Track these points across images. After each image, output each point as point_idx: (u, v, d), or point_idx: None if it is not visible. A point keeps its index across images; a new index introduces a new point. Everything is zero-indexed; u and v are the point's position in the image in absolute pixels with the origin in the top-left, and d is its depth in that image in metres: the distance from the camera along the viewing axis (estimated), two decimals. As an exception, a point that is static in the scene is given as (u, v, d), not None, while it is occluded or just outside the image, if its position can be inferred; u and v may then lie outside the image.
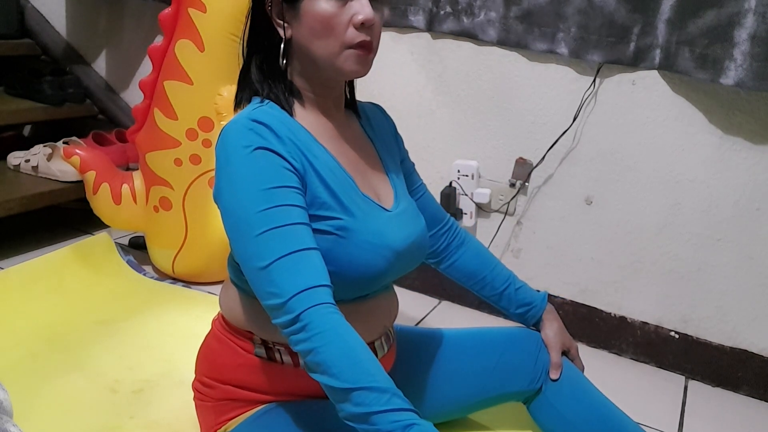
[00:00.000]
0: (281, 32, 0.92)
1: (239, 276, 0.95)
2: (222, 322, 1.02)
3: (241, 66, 0.99)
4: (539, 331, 1.17)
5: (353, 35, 0.89)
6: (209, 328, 1.07)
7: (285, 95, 0.94)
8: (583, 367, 1.17)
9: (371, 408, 0.77)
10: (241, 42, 0.99)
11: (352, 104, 1.07)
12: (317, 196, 0.89)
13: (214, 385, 1.00)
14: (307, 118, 0.95)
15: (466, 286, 1.20)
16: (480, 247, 1.21)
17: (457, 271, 1.20)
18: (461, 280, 1.20)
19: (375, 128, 1.09)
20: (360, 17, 0.88)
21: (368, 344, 0.98)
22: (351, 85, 1.07)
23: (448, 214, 1.22)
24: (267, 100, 0.93)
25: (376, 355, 1.00)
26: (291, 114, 0.93)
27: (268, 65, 0.95)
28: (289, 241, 0.82)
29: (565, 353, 1.15)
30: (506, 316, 1.21)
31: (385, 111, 1.14)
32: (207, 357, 1.04)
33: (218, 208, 0.88)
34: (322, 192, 0.89)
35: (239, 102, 0.98)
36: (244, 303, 0.97)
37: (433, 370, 1.13)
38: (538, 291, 1.19)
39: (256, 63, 0.96)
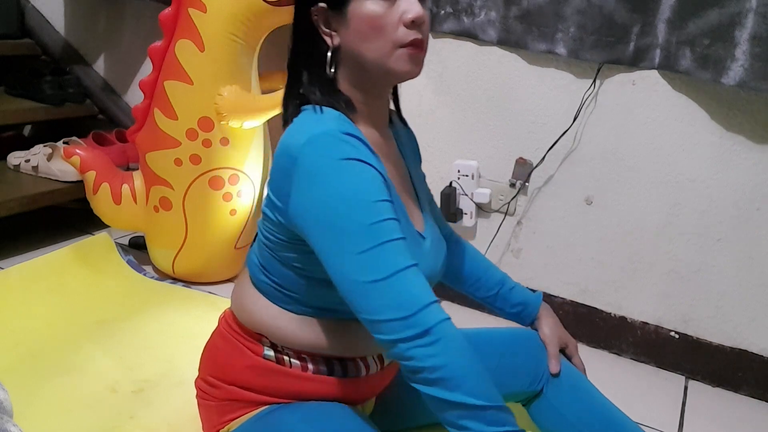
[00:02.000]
0: (329, 41, 0.91)
1: (266, 278, 0.95)
2: (231, 322, 1.01)
3: (286, 80, 0.97)
4: (536, 330, 1.17)
5: (404, 33, 0.87)
6: (209, 327, 1.07)
7: (341, 105, 0.91)
8: (583, 366, 1.16)
9: (505, 428, 0.80)
10: (289, 54, 0.96)
11: (397, 116, 1.06)
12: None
13: (219, 385, 1.00)
14: (362, 130, 0.92)
15: (460, 290, 1.21)
16: (472, 249, 1.22)
17: (451, 274, 1.20)
18: (454, 283, 1.21)
19: (405, 144, 1.08)
20: (410, 15, 0.86)
21: (362, 358, 0.99)
22: (396, 98, 1.06)
23: (449, 227, 1.23)
24: (323, 107, 0.90)
25: (367, 372, 1.01)
26: (368, 131, 0.92)
27: (318, 76, 0.93)
28: (404, 255, 0.81)
29: (563, 350, 1.15)
30: (503, 317, 1.21)
31: (407, 124, 1.13)
32: (213, 356, 1.03)
33: (296, 222, 0.85)
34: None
35: (289, 114, 0.95)
36: (262, 306, 0.96)
37: None
38: (533, 291, 1.20)
39: (306, 75, 0.94)
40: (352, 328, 0.96)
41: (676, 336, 1.60)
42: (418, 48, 0.88)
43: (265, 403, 0.98)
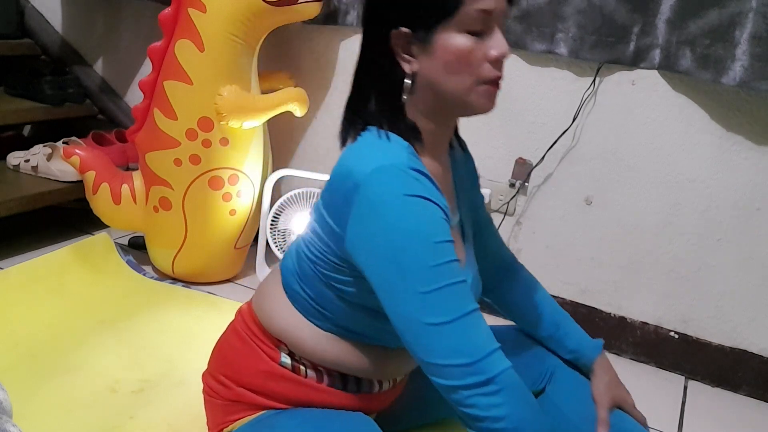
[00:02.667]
0: (407, 67, 0.87)
1: (300, 289, 0.94)
2: (250, 323, 1.00)
3: (349, 96, 0.94)
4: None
5: (488, 71, 0.85)
6: (209, 327, 1.07)
7: (408, 133, 0.89)
8: (643, 417, 1.07)
9: None
10: (355, 72, 0.93)
11: (456, 146, 1.04)
12: None
13: (229, 385, 0.99)
14: (423, 160, 0.90)
15: (512, 321, 1.17)
16: (531, 282, 1.17)
17: (505, 304, 1.17)
18: (506, 315, 1.17)
19: (460, 169, 1.05)
20: (497, 52, 0.85)
21: (377, 380, 0.99)
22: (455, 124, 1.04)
23: (510, 252, 1.19)
24: (389, 133, 0.88)
25: (380, 388, 1.01)
26: (421, 157, 0.89)
27: (388, 101, 0.90)
28: (467, 299, 0.80)
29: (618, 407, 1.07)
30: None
31: (467, 149, 1.10)
32: (226, 355, 1.02)
33: (353, 251, 0.84)
34: None
35: (349, 133, 0.92)
36: (288, 314, 0.95)
37: None
38: (594, 339, 1.14)
39: (374, 98, 0.90)
40: (375, 352, 0.96)
41: (676, 336, 1.60)
42: (497, 85, 0.88)
43: (269, 407, 0.97)
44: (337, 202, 0.85)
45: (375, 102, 0.90)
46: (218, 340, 1.06)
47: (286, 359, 0.96)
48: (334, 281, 0.90)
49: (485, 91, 0.86)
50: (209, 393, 1.03)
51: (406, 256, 0.78)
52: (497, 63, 0.85)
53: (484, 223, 1.14)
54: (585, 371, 1.12)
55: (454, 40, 0.83)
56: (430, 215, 0.80)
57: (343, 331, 0.94)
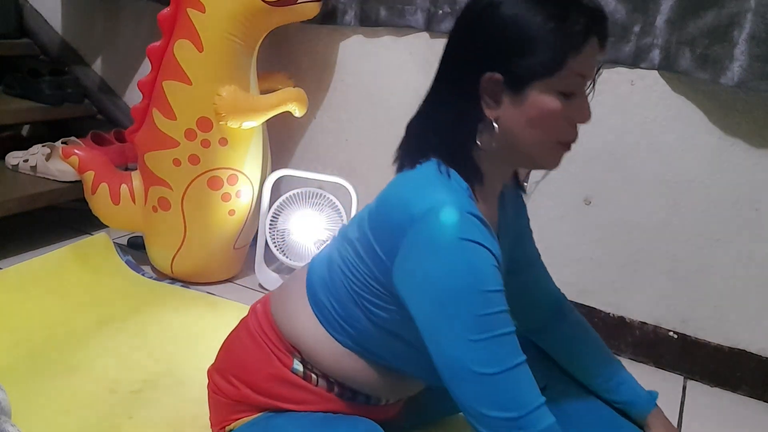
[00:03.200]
0: (489, 112, 0.85)
1: (328, 302, 0.93)
2: (265, 325, 0.99)
3: (414, 118, 0.93)
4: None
5: (568, 134, 0.86)
6: (208, 327, 1.07)
7: (470, 174, 0.87)
8: None
9: None
10: (426, 100, 0.92)
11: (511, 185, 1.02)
12: None
13: (237, 385, 0.98)
14: (477, 203, 0.88)
15: (560, 363, 1.14)
16: (582, 327, 1.14)
17: (550, 347, 1.14)
18: (553, 355, 1.14)
19: (507, 208, 1.03)
20: (583, 118, 0.85)
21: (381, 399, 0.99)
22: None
23: (561, 294, 1.16)
24: (449, 170, 0.86)
25: (387, 401, 1.01)
26: (476, 200, 0.87)
27: (459, 138, 0.87)
28: (515, 350, 0.79)
29: None
30: None
31: (524, 188, 1.09)
32: (237, 354, 1.01)
33: (399, 285, 0.83)
34: None
35: (406, 159, 0.91)
36: (310, 324, 0.94)
37: None
38: (649, 392, 1.11)
39: (444, 133, 0.88)
40: (391, 374, 0.96)
41: (675, 336, 1.60)
42: (569, 147, 0.88)
43: (273, 408, 0.97)
44: (387, 229, 0.84)
45: (445, 136, 0.88)
46: (229, 336, 1.05)
47: (299, 366, 0.96)
48: (368, 303, 0.89)
49: (557, 151, 0.87)
50: (214, 390, 1.02)
51: (456, 302, 0.77)
52: (576, 127, 0.86)
53: (533, 259, 1.11)
54: (638, 423, 1.09)
55: (546, 98, 0.82)
56: (483, 262, 0.78)
57: (363, 351, 0.93)
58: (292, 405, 0.96)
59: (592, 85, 0.87)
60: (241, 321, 1.05)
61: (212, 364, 1.05)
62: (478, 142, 0.86)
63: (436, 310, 0.79)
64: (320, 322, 0.94)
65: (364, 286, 0.88)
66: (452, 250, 0.78)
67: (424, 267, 0.79)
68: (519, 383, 0.79)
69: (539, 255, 1.13)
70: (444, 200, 0.80)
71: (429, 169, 0.86)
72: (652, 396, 1.10)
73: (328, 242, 1.01)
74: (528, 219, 1.11)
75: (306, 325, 0.94)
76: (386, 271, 0.84)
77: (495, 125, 0.84)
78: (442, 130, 0.88)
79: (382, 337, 0.91)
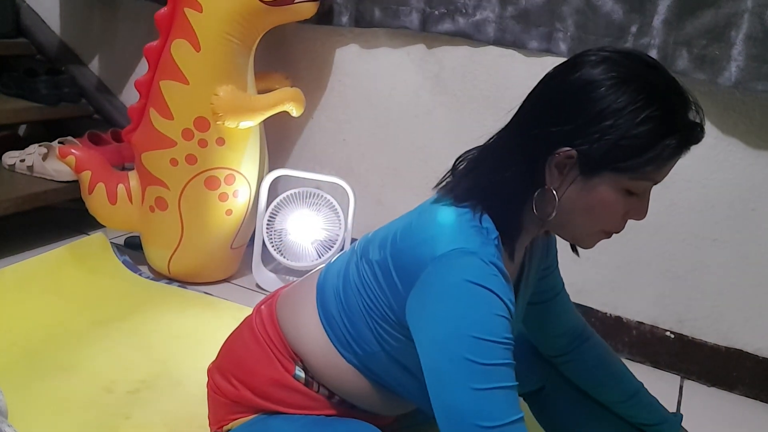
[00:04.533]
0: (551, 183, 0.82)
1: (339, 317, 0.91)
2: (270, 329, 0.98)
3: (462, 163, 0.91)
4: None
5: (617, 227, 0.84)
6: (205, 328, 1.07)
7: (509, 231, 0.85)
8: None
9: None
10: (493, 146, 0.90)
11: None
12: None
13: (237, 386, 0.98)
14: (504, 254, 0.86)
15: (585, 389, 1.12)
16: (605, 350, 1.12)
17: (573, 372, 1.12)
18: (578, 381, 1.12)
19: (533, 258, 1.00)
20: (636, 217, 0.84)
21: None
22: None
23: (583, 320, 1.13)
24: (484, 215, 0.83)
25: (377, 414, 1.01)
26: (506, 256, 0.85)
27: (512, 201, 0.84)
28: (513, 406, 0.76)
29: None
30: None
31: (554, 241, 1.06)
32: (240, 356, 1.00)
33: (409, 318, 0.82)
34: None
35: (451, 192, 0.88)
36: (317, 336, 0.93)
37: None
38: (674, 413, 1.10)
39: (502, 188, 0.84)
40: (391, 396, 0.96)
41: (672, 336, 1.60)
42: (610, 236, 0.87)
43: (264, 411, 0.97)
44: (409, 262, 0.82)
45: (500, 189, 0.84)
46: (231, 335, 1.04)
47: (301, 373, 0.95)
48: (381, 329, 0.88)
49: (599, 237, 0.86)
50: (214, 389, 1.01)
51: (457, 347, 0.75)
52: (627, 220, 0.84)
53: (557, 290, 1.10)
54: None
55: (612, 193, 0.80)
56: (490, 310, 0.76)
57: (367, 371, 0.93)
58: (292, 409, 0.96)
59: None
60: (244, 321, 1.04)
61: (213, 362, 1.04)
62: (534, 210, 0.84)
63: (438, 351, 0.77)
64: (328, 336, 0.93)
65: (378, 312, 0.87)
66: (460, 292, 0.76)
67: (433, 306, 0.78)
68: None
69: (563, 285, 1.11)
70: (470, 247, 0.79)
71: (466, 215, 0.83)
72: (678, 419, 1.08)
73: (345, 252, 0.99)
74: (556, 251, 1.08)
75: (313, 337, 0.93)
76: (401, 302, 0.83)
77: (556, 198, 0.82)
78: (498, 183, 0.85)
79: (389, 363, 0.90)
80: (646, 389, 1.09)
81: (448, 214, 0.83)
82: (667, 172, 0.81)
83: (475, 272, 0.77)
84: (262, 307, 1.03)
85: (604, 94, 0.76)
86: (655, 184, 0.82)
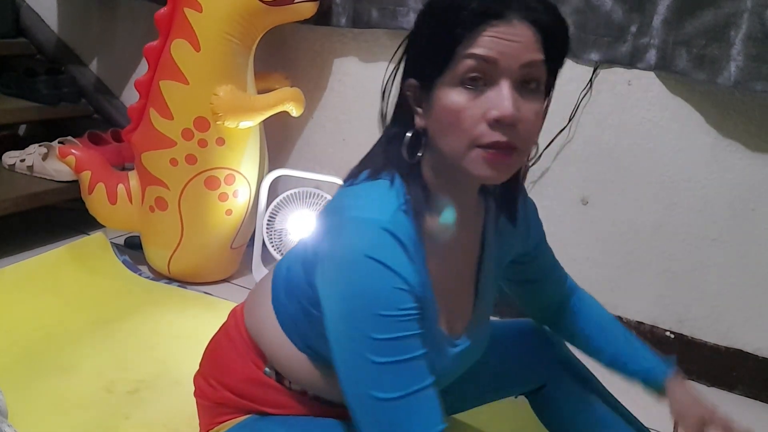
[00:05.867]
0: (418, 121, 0.81)
1: (285, 302, 0.91)
2: (241, 328, 0.98)
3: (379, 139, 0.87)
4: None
5: (483, 133, 0.74)
6: (204, 328, 1.07)
7: (416, 190, 0.81)
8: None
9: None
10: (381, 113, 0.86)
11: (506, 209, 0.93)
12: None
13: (216, 387, 0.98)
14: (428, 225, 0.83)
15: (579, 348, 1.10)
16: (591, 309, 1.11)
17: (567, 335, 1.11)
18: (572, 342, 1.12)
19: (501, 238, 0.96)
20: (494, 113, 0.73)
21: None
22: (510, 195, 0.92)
23: (566, 275, 1.11)
24: (395, 181, 0.82)
25: None
26: (422, 221, 0.81)
27: (396, 148, 0.83)
28: (413, 377, 0.75)
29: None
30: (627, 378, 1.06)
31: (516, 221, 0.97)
32: (216, 357, 1.01)
33: (319, 292, 0.80)
34: None
35: (357, 174, 0.86)
36: (271, 326, 0.92)
37: None
38: (667, 357, 1.07)
39: (392, 147, 0.83)
40: None
41: (672, 336, 1.60)
42: (500, 153, 0.75)
43: (254, 411, 0.97)
44: (320, 231, 0.81)
45: (392, 152, 0.84)
46: (210, 340, 1.05)
47: (271, 371, 0.95)
48: (309, 308, 0.86)
49: (481, 157, 0.75)
50: (197, 393, 1.03)
51: (354, 322, 0.74)
52: (499, 125, 0.74)
53: (546, 271, 1.07)
54: (656, 389, 1.03)
55: (449, 96, 0.75)
56: (384, 285, 0.74)
57: (314, 354, 0.91)
58: (270, 408, 0.95)
59: (553, 82, 0.81)
60: (222, 325, 1.04)
61: (197, 370, 1.05)
62: (419, 154, 0.82)
63: (338, 326, 0.77)
64: (279, 325, 0.92)
65: (302, 291, 0.86)
66: (356, 267, 0.74)
67: (330, 281, 0.78)
68: (412, 412, 0.75)
69: (554, 265, 1.09)
70: (365, 214, 0.77)
71: (381, 182, 0.82)
72: (669, 362, 1.03)
73: (296, 244, 0.98)
74: (541, 235, 1.05)
75: (270, 329, 0.92)
76: (313, 270, 0.82)
77: (425, 135, 0.81)
78: (392, 146, 0.84)
79: (326, 345, 0.88)
80: (636, 338, 1.07)
81: (360, 186, 0.83)
82: (492, 46, 0.73)
83: (369, 243, 0.74)
84: (237, 308, 1.03)
85: (415, 22, 0.81)
86: (488, 63, 0.73)
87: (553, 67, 0.80)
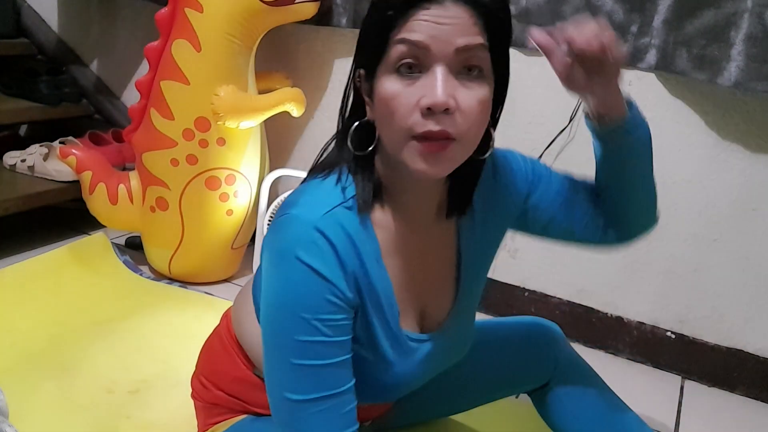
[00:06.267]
0: (368, 113, 0.78)
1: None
2: (231, 332, 0.98)
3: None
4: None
5: (416, 122, 0.70)
6: (206, 328, 1.07)
7: (369, 188, 0.79)
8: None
9: None
10: (341, 110, 0.84)
11: (459, 205, 0.87)
12: (355, 331, 0.81)
13: (209, 388, 0.99)
14: (383, 220, 0.81)
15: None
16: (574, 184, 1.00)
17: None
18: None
19: (476, 233, 0.92)
20: (425, 100, 0.69)
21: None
22: (466, 184, 0.86)
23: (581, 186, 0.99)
24: (343, 176, 0.80)
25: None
26: (370, 215, 0.80)
27: (355, 146, 0.80)
28: (327, 383, 0.75)
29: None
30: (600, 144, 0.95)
31: (515, 164, 0.94)
32: (208, 358, 1.02)
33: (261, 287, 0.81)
34: (360, 330, 0.82)
35: (313, 169, 0.86)
36: (252, 324, 0.92)
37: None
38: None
39: (348, 138, 0.80)
40: None
41: (673, 336, 1.60)
42: (434, 144, 0.71)
43: (248, 412, 0.97)
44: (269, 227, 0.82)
45: (343, 145, 0.81)
46: (205, 341, 1.06)
47: (259, 371, 0.94)
48: None
49: (415, 149, 0.72)
50: (192, 394, 1.04)
51: (279, 322, 0.75)
52: (431, 114, 0.70)
53: (565, 198, 0.97)
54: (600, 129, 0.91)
55: (384, 83, 0.72)
56: (311, 289, 0.74)
57: None
58: (261, 409, 0.95)
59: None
60: (216, 327, 1.05)
61: (194, 371, 1.06)
62: (371, 147, 0.78)
63: (266, 323, 0.78)
64: (259, 324, 0.91)
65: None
66: (284, 266, 0.74)
67: (265, 273, 0.78)
68: (324, 416, 0.75)
69: (570, 186, 0.98)
70: (302, 212, 0.75)
71: (330, 179, 0.81)
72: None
73: None
74: (534, 179, 0.96)
75: (251, 328, 0.92)
76: None
77: (361, 126, 0.79)
78: (341, 137, 0.83)
79: None
80: None
81: (310, 183, 0.82)
82: (423, 30, 0.69)
83: (299, 242, 0.73)
84: (228, 309, 1.04)
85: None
86: (420, 48, 0.70)
87: (498, 51, 0.74)
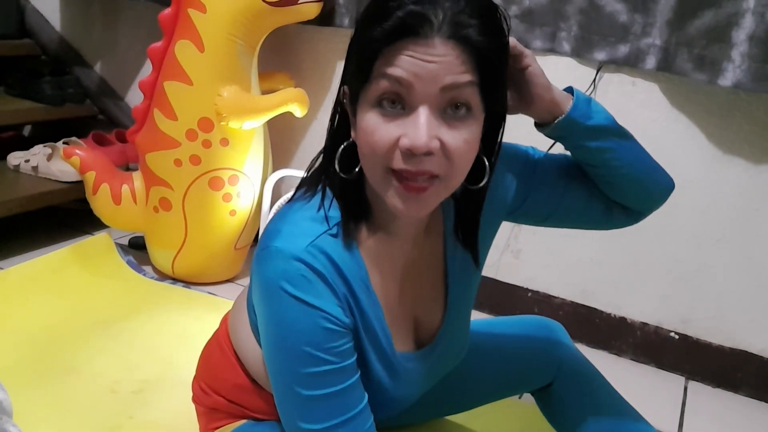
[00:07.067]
0: (353, 135, 0.75)
1: (252, 314, 0.89)
2: (229, 339, 0.98)
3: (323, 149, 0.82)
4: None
5: (395, 161, 0.68)
6: (208, 328, 1.07)
7: (355, 212, 0.77)
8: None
9: None
10: (330, 125, 0.81)
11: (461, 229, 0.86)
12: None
13: (209, 393, 0.99)
14: (369, 241, 0.79)
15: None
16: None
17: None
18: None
19: (462, 257, 0.91)
20: (405, 141, 0.67)
21: None
22: (466, 213, 0.84)
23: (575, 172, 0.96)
24: (332, 204, 0.78)
25: None
26: (356, 239, 0.78)
27: (342, 167, 0.77)
28: (340, 409, 0.75)
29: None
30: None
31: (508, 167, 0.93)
32: (208, 365, 1.02)
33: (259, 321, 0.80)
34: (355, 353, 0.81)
35: (297, 190, 0.82)
36: (246, 334, 0.92)
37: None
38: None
39: (336, 163, 0.77)
40: None
41: (676, 336, 1.60)
42: (413, 186, 0.69)
43: (247, 417, 0.97)
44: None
45: (332, 167, 0.77)
46: (204, 346, 1.06)
47: None
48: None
49: (390, 182, 0.70)
50: (193, 398, 1.04)
51: (282, 355, 0.75)
52: (411, 157, 0.67)
53: (567, 182, 0.94)
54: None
55: (367, 113, 0.69)
56: (307, 321, 0.72)
57: None
58: (260, 414, 0.95)
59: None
60: (214, 331, 1.05)
61: (194, 375, 1.06)
62: (355, 171, 0.75)
63: (270, 356, 0.77)
64: (253, 332, 0.91)
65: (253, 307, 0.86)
66: (274, 300, 0.73)
67: (259, 306, 0.77)
68: None
69: (566, 180, 0.95)
70: (284, 244, 0.73)
71: (307, 206, 0.78)
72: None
73: None
74: (526, 175, 0.96)
75: (245, 337, 0.92)
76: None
77: (347, 148, 0.76)
78: (327, 154, 0.79)
79: None
80: None
81: (291, 208, 0.78)
82: (409, 68, 0.66)
83: (283, 275, 0.71)
84: (227, 314, 1.03)
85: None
86: (402, 85, 0.67)
87: (489, 88, 0.70)
